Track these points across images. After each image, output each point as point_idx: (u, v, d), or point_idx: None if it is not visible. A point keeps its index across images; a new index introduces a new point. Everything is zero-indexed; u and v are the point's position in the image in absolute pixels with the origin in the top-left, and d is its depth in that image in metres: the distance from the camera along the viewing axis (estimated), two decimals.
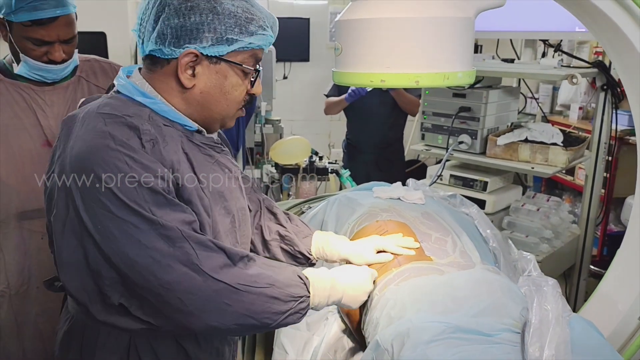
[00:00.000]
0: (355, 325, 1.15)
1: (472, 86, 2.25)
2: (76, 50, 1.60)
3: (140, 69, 1.02)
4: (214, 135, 1.08)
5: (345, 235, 1.36)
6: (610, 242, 2.91)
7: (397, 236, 1.23)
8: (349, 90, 3.06)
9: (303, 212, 1.64)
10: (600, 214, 2.37)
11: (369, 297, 1.09)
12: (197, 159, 0.99)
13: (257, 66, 1.02)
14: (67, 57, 1.55)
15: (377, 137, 3.25)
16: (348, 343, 1.18)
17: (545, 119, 3.06)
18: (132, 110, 0.94)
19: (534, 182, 3.55)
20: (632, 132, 2.98)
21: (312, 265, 1.30)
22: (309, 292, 0.99)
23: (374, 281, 1.11)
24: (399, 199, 1.47)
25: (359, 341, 1.18)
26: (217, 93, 0.99)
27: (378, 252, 1.19)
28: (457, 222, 1.41)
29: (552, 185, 3.84)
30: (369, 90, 3.02)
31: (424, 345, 0.87)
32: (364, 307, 1.10)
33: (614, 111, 2.16)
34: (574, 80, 1.95)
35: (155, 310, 0.91)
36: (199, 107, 1.00)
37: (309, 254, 1.27)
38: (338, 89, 3.23)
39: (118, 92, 1.00)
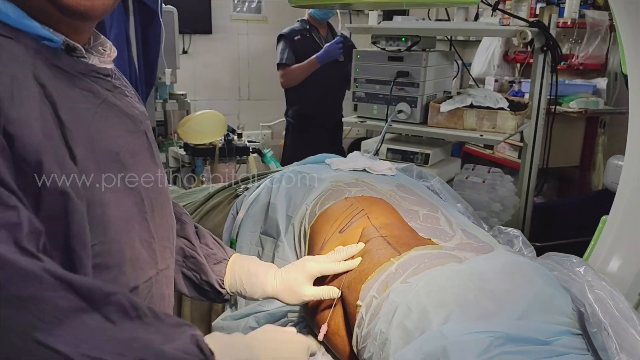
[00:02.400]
0: (341, 343, 0.84)
1: (409, 48, 2.04)
2: None
3: None
4: (108, 65, 0.69)
5: (303, 221, 1.04)
6: (536, 214, 2.90)
7: (335, 250, 0.91)
8: (324, 48, 2.85)
9: (238, 196, 1.28)
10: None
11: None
12: (65, 95, 0.60)
13: None
14: None
15: (334, 110, 3.11)
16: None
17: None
18: None
19: (450, 156, 3.48)
20: (554, 102, 2.97)
21: (224, 301, 0.95)
22: None
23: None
24: (364, 170, 1.17)
25: None
26: None
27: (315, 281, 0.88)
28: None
29: (468, 160, 3.81)
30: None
31: None
32: (354, 316, 0.79)
33: (554, 74, 2.06)
34: (523, 35, 1.80)
35: None
36: None
37: (221, 287, 0.92)
38: (294, 53, 2.94)
39: None
